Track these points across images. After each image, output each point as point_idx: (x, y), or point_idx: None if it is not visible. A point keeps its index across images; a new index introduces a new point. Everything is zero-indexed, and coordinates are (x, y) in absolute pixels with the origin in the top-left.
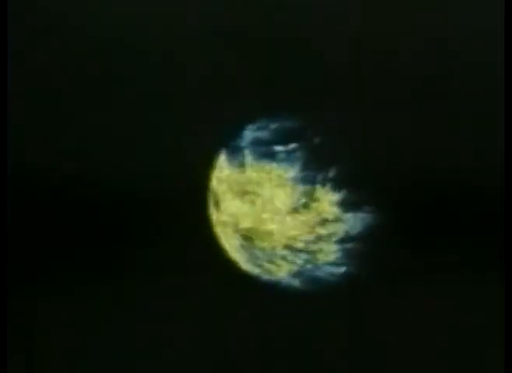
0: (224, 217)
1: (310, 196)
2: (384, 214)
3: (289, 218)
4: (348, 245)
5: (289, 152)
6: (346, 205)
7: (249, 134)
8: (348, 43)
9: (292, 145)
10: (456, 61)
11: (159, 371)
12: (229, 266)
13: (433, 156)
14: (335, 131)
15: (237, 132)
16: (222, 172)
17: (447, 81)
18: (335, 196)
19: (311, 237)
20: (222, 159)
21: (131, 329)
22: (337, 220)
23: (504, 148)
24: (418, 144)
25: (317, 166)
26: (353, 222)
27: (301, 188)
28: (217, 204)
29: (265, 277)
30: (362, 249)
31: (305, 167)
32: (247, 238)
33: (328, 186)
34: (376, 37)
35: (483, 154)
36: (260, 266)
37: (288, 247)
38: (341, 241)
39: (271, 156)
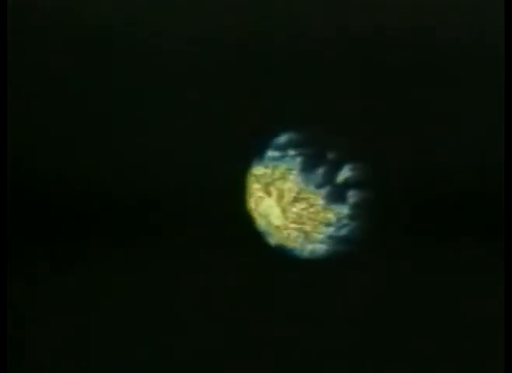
0: (251, 202)
1: (306, 190)
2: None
3: (292, 206)
4: (333, 229)
5: (292, 156)
6: (331, 198)
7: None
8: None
9: (296, 151)
10: (457, 62)
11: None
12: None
13: (432, 154)
14: (329, 142)
15: (268, 140)
16: (255, 169)
17: (447, 81)
18: (323, 191)
19: (306, 221)
20: (256, 160)
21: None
22: (324, 209)
23: (504, 146)
24: (416, 144)
25: (312, 168)
26: (337, 211)
27: (301, 184)
28: (249, 193)
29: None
30: (343, 232)
31: (303, 168)
32: (264, 218)
33: (318, 183)
34: (378, 43)
35: (483, 152)
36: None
37: (291, 227)
38: (327, 225)
39: (281, 158)
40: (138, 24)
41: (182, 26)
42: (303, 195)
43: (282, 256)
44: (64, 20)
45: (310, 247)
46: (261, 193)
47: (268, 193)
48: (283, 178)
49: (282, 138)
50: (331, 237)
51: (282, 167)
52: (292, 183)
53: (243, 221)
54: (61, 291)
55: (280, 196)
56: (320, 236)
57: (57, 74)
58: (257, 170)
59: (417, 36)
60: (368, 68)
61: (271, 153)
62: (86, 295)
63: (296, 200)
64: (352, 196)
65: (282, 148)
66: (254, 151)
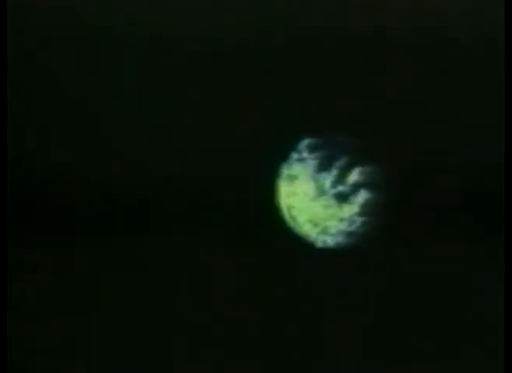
0: (278, 199)
1: (321, 190)
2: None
3: (311, 203)
4: (344, 224)
5: (307, 159)
6: (343, 198)
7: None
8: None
9: (312, 154)
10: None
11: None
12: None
13: (432, 154)
14: (341, 145)
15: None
16: (280, 169)
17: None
18: (334, 190)
19: (322, 216)
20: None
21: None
22: (337, 207)
23: (504, 146)
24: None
25: (325, 169)
26: (348, 209)
27: (316, 184)
28: (276, 192)
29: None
30: (353, 228)
31: (318, 169)
32: (288, 212)
33: (331, 183)
34: (378, 43)
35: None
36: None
37: (310, 222)
38: (340, 220)
39: (301, 160)
40: (138, 24)
41: (182, 26)
42: (318, 194)
43: (302, 246)
44: (64, 20)
45: (324, 239)
46: (284, 192)
47: (290, 193)
48: (300, 178)
49: (301, 141)
50: (342, 231)
51: (299, 168)
52: (309, 182)
53: (272, 216)
54: (61, 290)
55: (299, 195)
56: (333, 230)
57: (57, 74)
58: (282, 170)
59: (417, 36)
60: (368, 68)
61: (296, 155)
62: (86, 295)
63: (314, 198)
64: (361, 196)
65: (299, 150)
66: (276, 152)
